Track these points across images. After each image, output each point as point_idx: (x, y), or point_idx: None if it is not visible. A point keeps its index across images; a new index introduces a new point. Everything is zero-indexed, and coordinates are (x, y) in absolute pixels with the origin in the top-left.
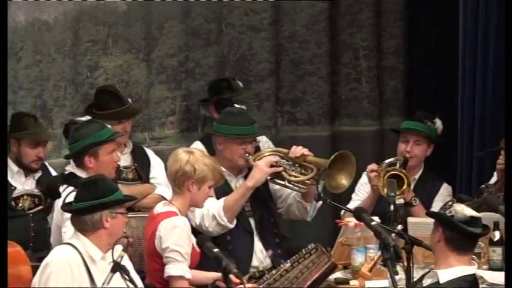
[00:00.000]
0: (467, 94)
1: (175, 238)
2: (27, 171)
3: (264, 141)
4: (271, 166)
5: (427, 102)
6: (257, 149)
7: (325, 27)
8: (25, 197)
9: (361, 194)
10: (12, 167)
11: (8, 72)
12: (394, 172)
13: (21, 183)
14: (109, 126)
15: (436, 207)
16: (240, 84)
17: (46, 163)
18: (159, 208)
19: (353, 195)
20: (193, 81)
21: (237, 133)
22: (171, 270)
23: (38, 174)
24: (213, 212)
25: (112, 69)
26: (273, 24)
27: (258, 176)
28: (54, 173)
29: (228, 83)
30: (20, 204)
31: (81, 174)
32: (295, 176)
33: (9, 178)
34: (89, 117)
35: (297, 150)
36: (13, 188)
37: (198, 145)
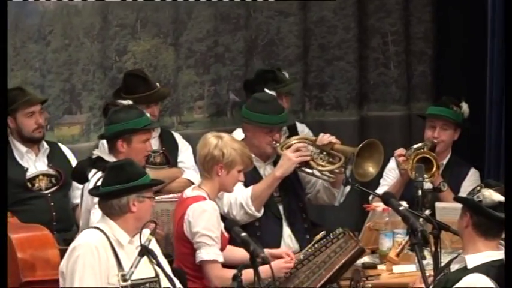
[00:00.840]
0: (495, 78)
1: (205, 222)
2: (32, 143)
3: (305, 132)
4: (299, 155)
5: (456, 87)
6: (293, 129)
7: (353, 12)
8: (40, 177)
9: (389, 179)
10: (20, 148)
11: (35, 56)
12: (423, 155)
13: (33, 163)
14: (148, 114)
15: (464, 192)
16: (286, 75)
17: (60, 144)
18: (188, 192)
19: (381, 181)
20: (222, 65)
21: (265, 122)
22: (203, 254)
23: (47, 151)
24: (241, 201)
25: (140, 53)
26: (301, 9)
27: (286, 166)
28: (67, 152)
29: (274, 75)
30: (37, 185)
31: (109, 158)
32: (323, 165)
33: (19, 160)
34: (130, 102)
35: (324, 138)
36: (25, 169)
37: (239, 133)
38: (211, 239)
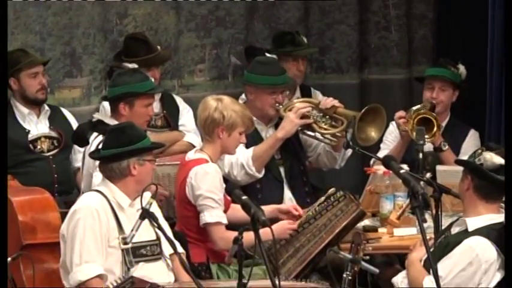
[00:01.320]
0: (496, 41)
1: (208, 185)
2: (35, 105)
3: (320, 98)
4: (302, 118)
5: (456, 50)
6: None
7: None
8: (42, 139)
9: (389, 142)
10: (22, 109)
11: (36, 20)
12: (423, 115)
13: (35, 125)
14: (152, 79)
15: (463, 153)
16: (305, 39)
17: (61, 108)
18: (190, 155)
19: (381, 145)
20: (223, 29)
21: (267, 83)
22: (206, 217)
23: (48, 113)
24: (242, 161)
25: (141, 16)
26: None
27: (288, 128)
28: (68, 114)
29: (292, 37)
30: (39, 147)
31: (110, 121)
32: (325, 129)
33: (21, 122)
34: (135, 65)
35: (328, 102)
36: (27, 131)
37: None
38: (215, 202)
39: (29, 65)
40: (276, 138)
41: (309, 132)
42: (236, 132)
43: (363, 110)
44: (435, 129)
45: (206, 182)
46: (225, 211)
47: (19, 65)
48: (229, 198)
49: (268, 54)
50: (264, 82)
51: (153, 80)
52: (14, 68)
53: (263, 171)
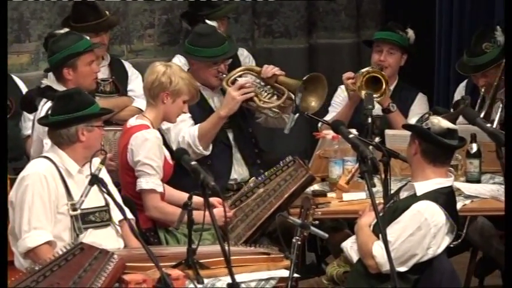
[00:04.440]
0: (444, 5)
1: (146, 151)
2: None
3: (245, 55)
4: (243, 93)
5: (405, 13)
6: (236, 59)
7: None
8: None
9: (337, 105)
10: None
11: None
12: (372, 74)
13: None
14: (87, 37)
15: (411, 116)
16: None
17: (12, 75)
18: (132, 121)
19: (329, 108)
20: None
21: (207, 55)
22: (142, 183)
23: None
24: (188, 140)
25: None
26: None
27: (231, 105)
28: (19, 82)
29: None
30: None
31: (59, 87)
32: (266, 102)
33: None
34: (67, 30)
35: (268, 70)
36: None
37: (180, 58)
38: (152, 168)
39: None
40: (219, 117)
41: (252, 104)
42: (180, 100)
43: (304, 78)
44: (384, 87)
45: (145, 148)
46: (167, 176)
47: None
48: (171, 162)
49: (208, 22)
50: (204, 55)
51: (99, 44)
52: None
53: (210, 148)
